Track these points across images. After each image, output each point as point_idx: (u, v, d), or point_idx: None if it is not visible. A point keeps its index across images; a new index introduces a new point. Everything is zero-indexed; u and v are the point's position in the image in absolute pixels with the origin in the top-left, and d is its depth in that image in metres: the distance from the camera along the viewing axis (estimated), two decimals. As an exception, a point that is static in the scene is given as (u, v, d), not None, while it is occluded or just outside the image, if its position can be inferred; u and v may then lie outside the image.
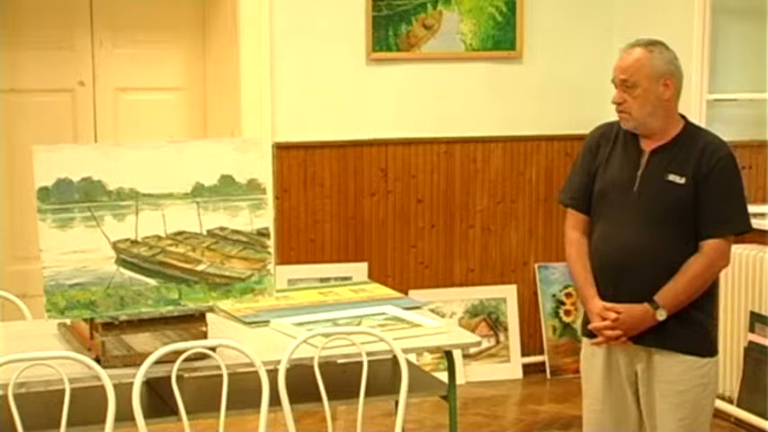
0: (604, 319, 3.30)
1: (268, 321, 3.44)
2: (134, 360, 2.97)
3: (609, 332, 3.30)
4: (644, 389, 3.36)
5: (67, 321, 3.23)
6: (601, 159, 3.39)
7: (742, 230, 3.36)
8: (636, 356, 3.35)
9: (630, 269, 3.27)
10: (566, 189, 3.54)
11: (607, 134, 3.43)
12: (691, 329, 3.30)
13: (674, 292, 3.24)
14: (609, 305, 3.30)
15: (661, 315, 3.24)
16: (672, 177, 3.26)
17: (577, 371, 5.41)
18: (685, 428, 3.31)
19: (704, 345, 3.34)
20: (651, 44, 3.29)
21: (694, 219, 3.26)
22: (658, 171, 3.28)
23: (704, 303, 3.33)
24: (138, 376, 2.91)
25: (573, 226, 3.46)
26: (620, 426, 3.42)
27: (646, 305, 3.26)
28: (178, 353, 2.95)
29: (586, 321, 3.45)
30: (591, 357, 3.44)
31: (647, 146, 3.32)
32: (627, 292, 3.29)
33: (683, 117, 3.37)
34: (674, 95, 3.30)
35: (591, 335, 3.40)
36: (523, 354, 5.76)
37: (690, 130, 3.36)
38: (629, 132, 3.36)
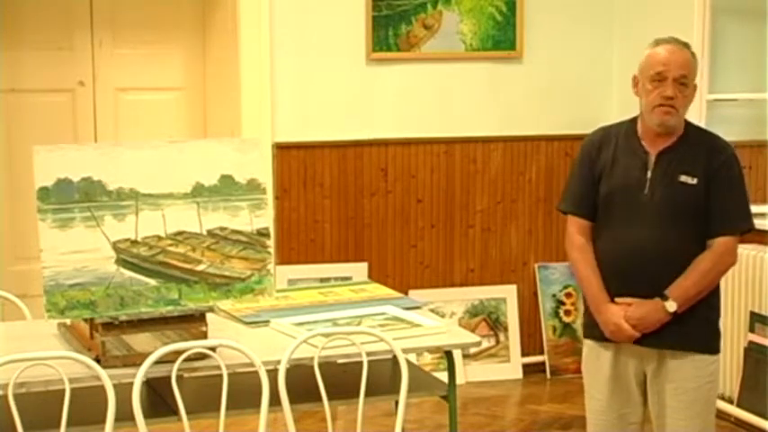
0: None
1: (268, 321, 3.44)
2: (134, 360, 2.97)
3: (628, 333, 3.30)
4: (654, 388, 3.36)
5: (67, 321, 3.23)
6: (604, 163, 3.39)
7: (748, 228, 3.39)
8: (646, 358, 3.35)
9: (645, 270, 3.28)
10: (566, 197, 3.53)
11: (607, 138, 3.43)
12: (702, 328, 3.34)
13: (684, 286, 3.26)
14: (620, 299, 3.31)
15: (671, 306, 3.25)
16: (684, 178, 3.28)
17: (577, 371, 5.42)
18: (697, 426, 3.34)
19: (714, 342, 3.38)
20: (687, 45, 3.33)
21: (704, 217, 3.29)
22: (669, 173, 3.30)
23: (714, 301, 3.37)
24: (138, 376, 2.91)
25: (577, 231, 3.44)
26: (626, 427, 3.43)
27: (655, 299, 3.27)
28: (178, 353, 2.95)
29: (589, 323, 3.46)
30: (596, 359, 3.44)
31: (653, 148, 3.33)
32: (640, 293, 3.30)
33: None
34: None
35: (596, 337, 3.41)
36: (523, 354, 5.76)
37: (693, 129, 3.39)
38: (631, 135, 3.37)
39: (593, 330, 3.42)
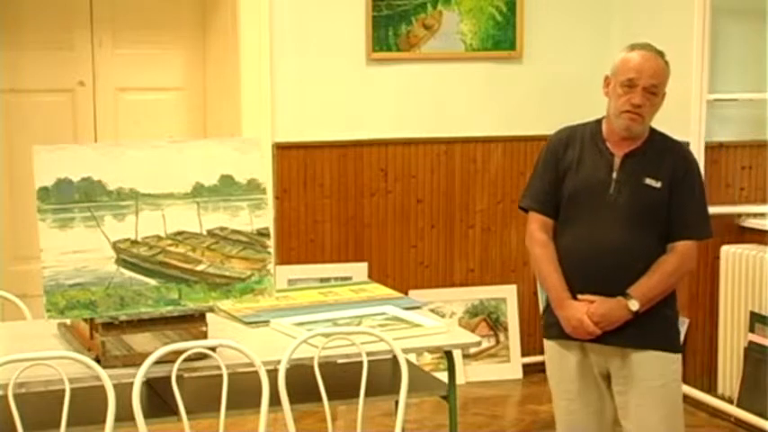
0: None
1: (268, 321, 3.44)
2: (134, 360, 2.97)
3: (590, 329, 3.32)
4: (620, 387, 3.38)
5: (67, 321, 3.23)
6: (570, 162, 3.42)
7: (709, 235, 3.45)
8: (609, 355, 3.38)
9: (608, 270, 3.31)
10: (528, 194, 3.55)
11: (573, 138, 3.47)
12: (663, 326, 3.38)
13: (646, 287, 3.30)
14: (582, 296, 3.33)
15: (633, 305, 3.28)
16: (648, 181, 3.34)
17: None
18: (667, 423, 3.37)
19: (675, 341, 3.43)
20: (662, 54, 3.35)
21: (667, 220, 3.33)
22: (634, 175, 3.35)
23: (672, 302, 3.42)
24: (138, 376, 2.91)
25: (539, 228, 3.46)
26: (600, 422, 3.44)
27: (618, 297, 3.30)
28: (178, 353, 2.95)
29: (549, 323, 3.47)
30: (560, 359, 3.46)
31: (619, 150, 3.37)
32: (602, 292, 3.31)
33: None
34: None
35: (557, 336, 3.43)
36: (523, 354, 5.76)
37: (657, 135, 3.43)
38: (596, 136, 3.41)
39: (553, 330, 3.43)
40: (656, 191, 3.32)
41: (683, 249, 3.34)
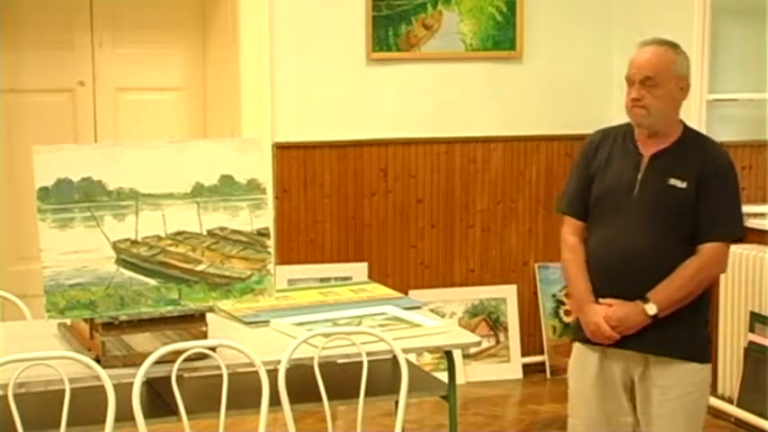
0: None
1: (268, 321, 3.44)
2: (134, 360, 2.97)
3: (607, 333, 3.30)
4: (641, 394, 3.34)
5: (67, 321, 3.23)
6: (599, 164, 3.39)
7: (739, 237, 3.38)
8: (632, 362, 3.34)
9: (630, 273, 3.27)
10: (563, 197, 3.55)
11: (605, 139, 3.43)
12: (687, 334, 3.30)
13: (667, 290, 3.24)
14: (603, 300, 3.31)
15: (651, 309, 3.23)
16: (673, 182, 3.27)
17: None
18: None
19: (700, 350, 3.35)
20: (674, 45, 3.30)
21: (693, 222, 3.27)
22: (659, 175, 3.29)
23: (701, 307, 3.34)
24: (138, 376, 2.91)
25: (571, 232, 3.46)
26: (616, 429, 3.41)
27: (636, 301, 3.26)
28: (178, 353, 2.95)
29: (578, 326, 3.45)
30: (584, 363, 3.43)
31: (647, 150, 3.32)
32: (626, 296, 3.28)
33: (682, 121, 3.38)
34: (684, 99, 3.33)
35: (583, 339, 3.40)
36: (523, 354, 5.76)
37: (690, 134, 3.37)
38: (628, 137, 3.37)
39: (581, 333, 3.41)
40: (680, 191, 3.25)
41: (706, 252, 3.25)
